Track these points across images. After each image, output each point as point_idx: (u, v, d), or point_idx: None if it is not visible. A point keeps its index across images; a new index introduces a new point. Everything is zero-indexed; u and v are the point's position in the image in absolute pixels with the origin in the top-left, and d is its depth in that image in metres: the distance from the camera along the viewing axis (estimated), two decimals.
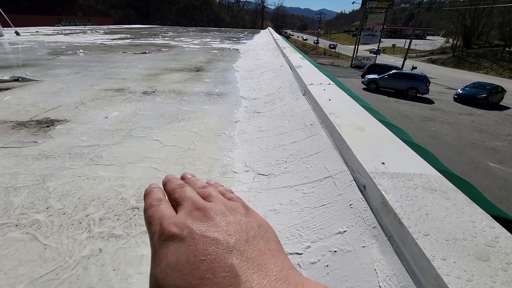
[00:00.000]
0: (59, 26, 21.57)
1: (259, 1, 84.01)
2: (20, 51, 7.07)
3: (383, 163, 1.12)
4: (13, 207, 1.35)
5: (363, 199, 1.09)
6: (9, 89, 3.48)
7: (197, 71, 5.06)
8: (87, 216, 1.31)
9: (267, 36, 13.75)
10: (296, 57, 4.43)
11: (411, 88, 19.81)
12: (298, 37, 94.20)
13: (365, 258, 0.89)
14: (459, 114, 17.09)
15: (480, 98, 18.23)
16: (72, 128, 2.32)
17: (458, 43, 46.19)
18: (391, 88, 20.74)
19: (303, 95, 2.61)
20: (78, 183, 1.56)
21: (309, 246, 1.05)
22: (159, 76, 4.50)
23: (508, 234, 0.76)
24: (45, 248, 1.13)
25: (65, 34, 13.74)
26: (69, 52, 7.01)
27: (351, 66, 35.00)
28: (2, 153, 1.87)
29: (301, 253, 1.03)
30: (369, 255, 0.89)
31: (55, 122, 2.46)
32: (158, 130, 2.34)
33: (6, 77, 3.89)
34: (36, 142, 2.05)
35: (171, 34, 16.45)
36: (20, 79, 3.89)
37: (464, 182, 1.68)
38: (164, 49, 8.40)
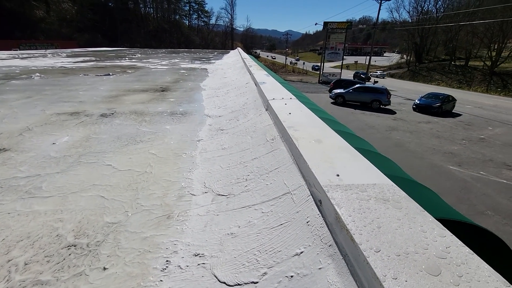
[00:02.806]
0: (17, 50, 20.34)
1: (228, 24, 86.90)
2: None
3: (338, 175, 1.09)
4: None
5: (320, 215, 1.04)
6: None
7: (163, 91, 4.93)
8: (9, 261, 1.10)
9: (235, 56, 14.04)
10: (261, 74, 4.49)
11: (375, 100, 21.14)
12: (267, 56, 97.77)
13: (321, 282, 0.82)
14: (418, 122, 18.42)
15: (435, 107, 19.90)
16: (10, 158, 2.06)
17: (411, 58, 50.90)
18: (356, 101, 21.97)
19: (266, 110, 2.59)
20: (5, 221, 1.34)
21: (265, 273, 0.95)
22: (120, 97, 4.30)
23: (459, 242, 0.73)
24: None
25: (22, 58, 12.93)
26: (23, 76, 6.54)
27: (319, 82, 36.80)
28: None
29: (257, 282, 0.93)
30: (325, 278, 0.82)
31: None
32: (112, 154, 2.16)
33: None
34: None
35: (139, 56, 16.21)
36: None
37: (423, 188, 1.71)
38: (130, 71, 8.17)
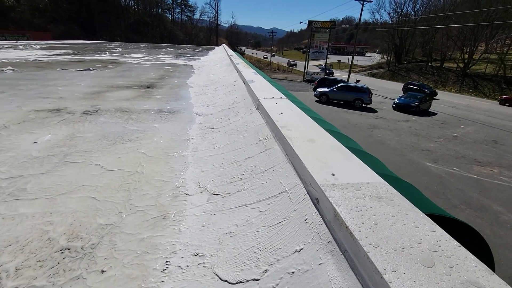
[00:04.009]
0: None
1: (213, 19, 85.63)
2: None
3: (333, 174, 1.13)
4: None
5: (317, 212, 1.08)
6: None
7: (148, 87, 4.81)
8: None
9: (221, 53, 13.91)
10: (249, 72, 4.50)
11: (357, 99, 21.75)
12: (252, 53, 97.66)
13: (322, 276, 0.86)
14: (398, 121, 19.18)
15: (413, 106, 20.82)
16: None
17: (391, 59, 52.75)
18: (340, 99, 22.50)
19: (257, 109, 2.61)
20: None
21: (266, 270, 0.98)
22: (103, 94, 4.15)
23: (448, 236, 0.79)
24: None
25: None
26: None
27: (303, 80, 37.28)
28: None
29: (259, 279, 0.96)
30: (326, 273, 0.86)
31: None
32: (99, 154, 2.10)
33: None
34: None
35: (120, 50, 15.64)
36: None
37: (407, 185, 1.81)
38: (111, 66, 7.88)
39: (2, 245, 1.17)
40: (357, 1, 30.81)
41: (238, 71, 5.25)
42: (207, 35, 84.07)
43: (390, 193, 1.01)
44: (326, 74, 34.33)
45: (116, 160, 2.01)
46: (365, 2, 30.17)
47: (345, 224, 0.84)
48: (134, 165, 1.93)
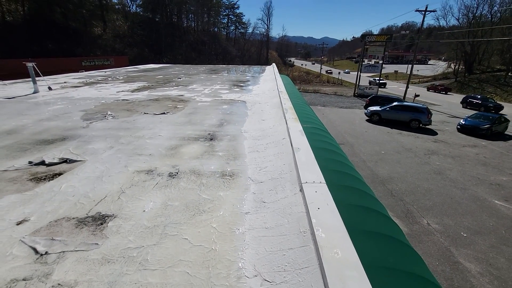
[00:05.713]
0: (82, 71, 23.63)
1: (264, 33, 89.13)
2: (56, 115, 8.13)
3: None
4: None
5: None
6: (61, 174, 4.27)
7: (211, 139, 5.85)
8: None
9: (271, 81, 14.87)
10: (296, 131, 5.15)
11: (414, 119, 20.38)
12: (302, 65, 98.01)
13: None
14: (462, 146, 17.35)
15: (483, 129, 18.56)
16: (120, 226, 3.00)
17: (460, 68, 47.25)
18: (393, 119, 21.37)
19: (300, 190, 3.25)
20: None
21: None
22: (179, 149, 5.28)
23: None
24: None
25: (89, 84, 15.22)
26: (98, 115, 8.03)
27: (354, 95, 36.13)
28: (76, 257, 2.54)
29: None
30: None
31: (106, 218, 3.15)
32: (186, 226, 2.99)
33: (56, 159, 4.72)
34: (97, 244, 2.72)
35: (184, 78, 17.90)
36: (68, 160, 4.71)
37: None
38: (180, 105, 9.40)
39: None
40: (417, 12, 28.98)
41: (286, 121, 5.95)
42: (258, 49, 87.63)
43: None
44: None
45: (197, 234, 2.86)
46: (427, 13, 28.17)
47: None
48: (209, 241, 2.75)
